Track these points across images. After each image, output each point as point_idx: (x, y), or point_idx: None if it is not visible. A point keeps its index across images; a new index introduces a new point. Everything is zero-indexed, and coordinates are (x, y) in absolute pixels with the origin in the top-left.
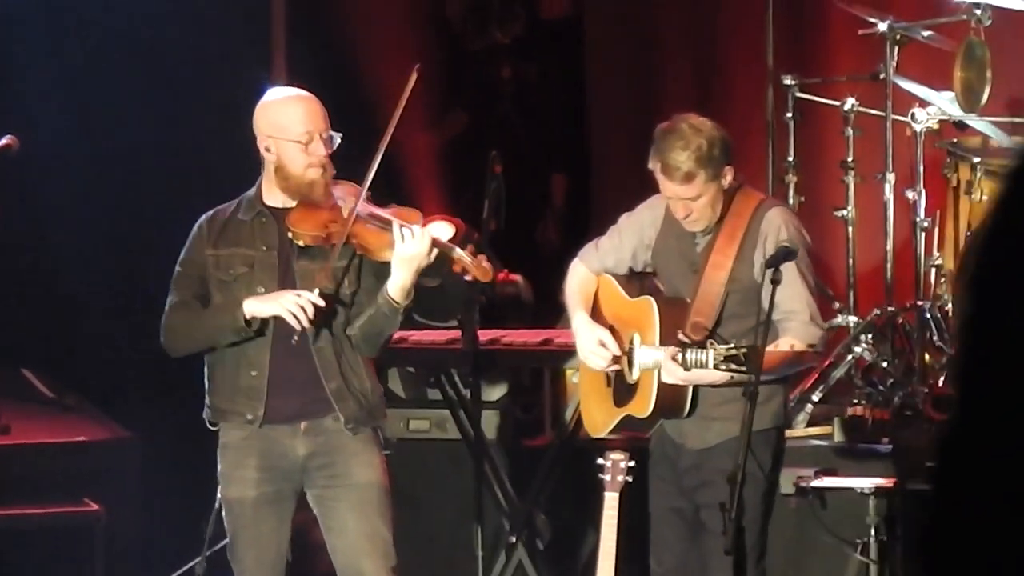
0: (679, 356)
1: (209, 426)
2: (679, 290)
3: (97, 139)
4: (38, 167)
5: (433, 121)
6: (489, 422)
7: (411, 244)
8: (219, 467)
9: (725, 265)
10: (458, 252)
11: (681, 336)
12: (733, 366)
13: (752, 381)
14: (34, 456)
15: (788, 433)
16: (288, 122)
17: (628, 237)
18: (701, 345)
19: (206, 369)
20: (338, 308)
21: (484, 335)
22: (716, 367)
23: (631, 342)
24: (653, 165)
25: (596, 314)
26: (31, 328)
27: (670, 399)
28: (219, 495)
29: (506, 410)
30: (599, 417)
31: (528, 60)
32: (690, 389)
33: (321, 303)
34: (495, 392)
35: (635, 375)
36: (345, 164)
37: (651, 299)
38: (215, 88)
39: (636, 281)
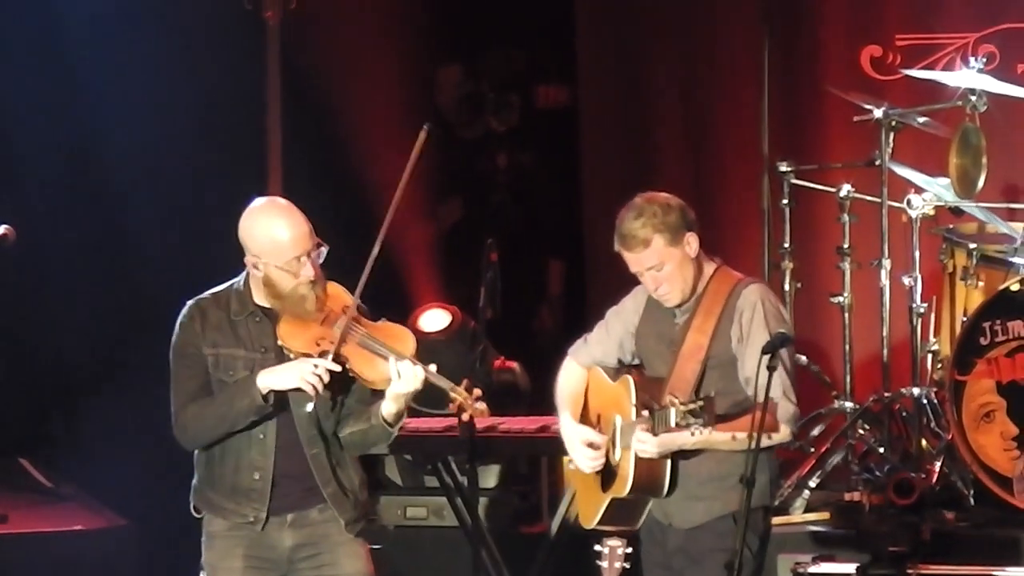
0: (648, 424)
1: (194, 512)
2: (659, 371)
3: (94, 234)
4: (37, 257)
5: (429, 210)
6: (486, 509)
7: (406, 383)
8: (204, 556)
9: (702, 343)
10: (455, 391)
11: (649, 402)
12: (691, 419)
13: (745, 471)
14: (31, 545)
15: (786, 519)
16: (275, 247)
17: (614, 327)
18: (664, 407)
19: (198, 458)
20: (324, 411)
21: (481, 423)
22: (678, 424)
23: (614, 425)
24: (616, 246)
25: (585, 408)
26: (28, 417)
27: (647, 474)
28: None
29: (503, 497)
30: (589, 505)
31: (523, 148)
32: (667, 464)
33: (337, 368)
34: (492, 479)
35: (617, 455)
36: (340, 264)
37: (628, 377)
38: (209, 193)
39: (624, 371)
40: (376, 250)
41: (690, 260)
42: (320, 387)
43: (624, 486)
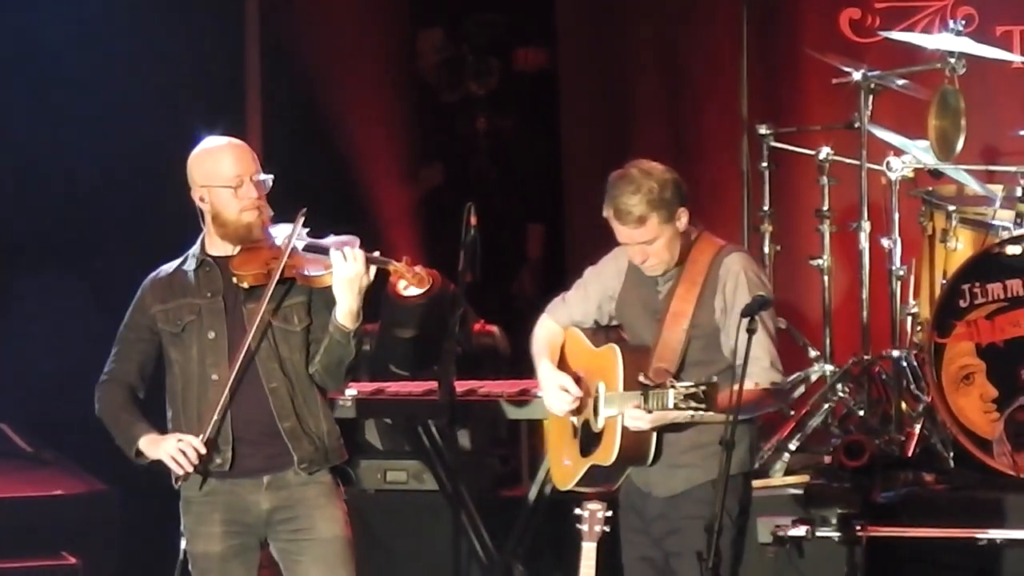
0: (640, 400)
1: (173, 484)
2: (643, 338)
3: (62, 190)
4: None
5: (409, 173)
6: (466, 473)
7: (348, 265)
8: (183, 521)
9: (686, 312)
10: (393, 264)
11: (642, 379)
12: (693, 403)
13: (724, 433)
14: (12, 510)
15: (765, 482)
16: (217, 168)
17: (593, 290)
18: (662, 387)
19: (168, 419)
20: (288, 346)
21: (461, 386)
22: (676, 406)
23: (597, 391)
24: (607, 213)
25: (563, 366)
26: (7, 383)
27: (633, 445)
28: (183, 548)
29: (483, 461)
30: (566, 468)
31: (503, 112)
32: (653, 436)
33: (203, 449)
34: (472, 443)
35: (600, 423)
36: (319, 217)
37: (615, 347)
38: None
39: (602, 333)
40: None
41: (679, 234)
42: (186, 464)
43: (609, 455)
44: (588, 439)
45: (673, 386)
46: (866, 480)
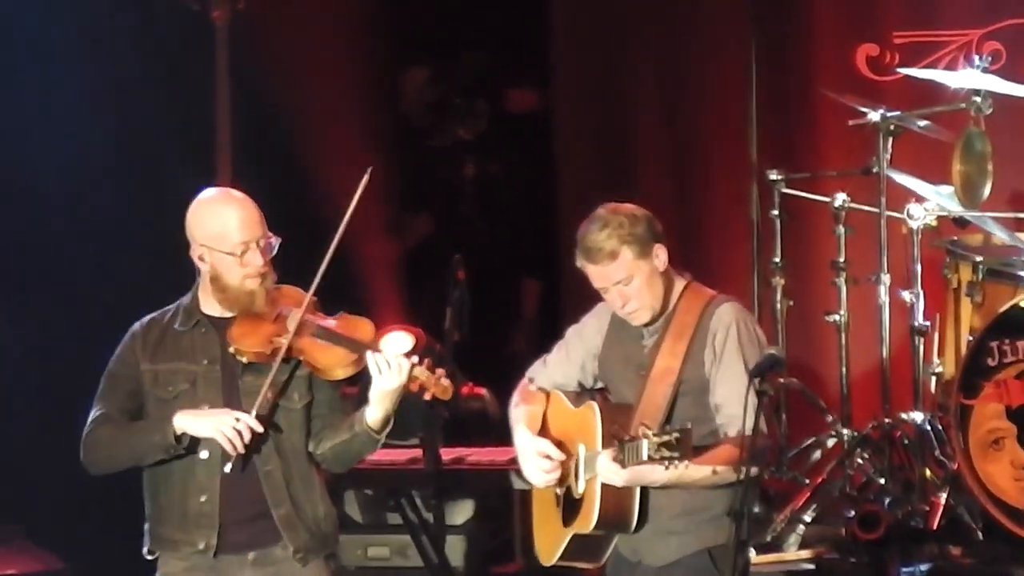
0: (615, 452)
1: (147, 556)
2: (626, 397)
3: (27, 244)
4: None
5: (392, 225)
6: (454, 548)
7: (390, 377)
8: None
9: (673, 367)
10: (416, 369)
11: (618, 433)
12: (666, 452)
13: (735, 509)
14: None
15: (778, 556)
16: (222, 231)
17: (575, 349)
18: (635, 438)
19: (147, 494)
20: (287, 424)
21: (447, 454)
22: (651, 457)
23: (577, 454)
24: (579, 262)
25: (544, 432)
26: None
27: (614, 508)
28: None
29: (472, 535)
30: (549, 541)
31: (493, 157)
32: (636, 497)
33: (259, 428)
34: (460, 515)
35: (581, 487)
36: (293, 272)
37: (593, 404)
38: (153, 195)
39: (586, 396)
40: (333, 247)
41: (659, 274)
42: (239, 444)
43: (589, 521)
44: (570, 507)
45: (647, 435)
46: (884, 554)
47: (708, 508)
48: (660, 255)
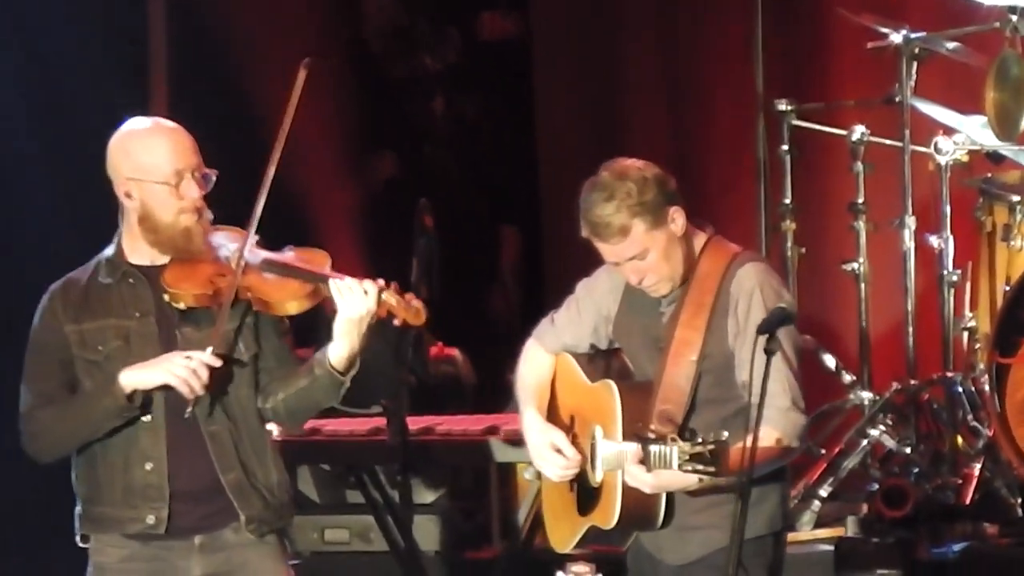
0: (641, 456)
1: (79, 542)
2: (645, 371)
3: None
4: None
5: (352, 166)
6: (423, 530)
7: (358, 300)
8: None
9: (694, 341)
10: (384, 292)
11: (643, 431)
12: (699, 467)
13: (740, 482)
14: None
15: (791, 537)
16: (152, 161)
17: (586, 309)
18: (663, 441)
19: (78, 472)
20: (234, 381)
21: (415, 423)
22: (681, 467)
23: (593, 437)
24: (585, 232)
25: (553, 404)
26: None
27: (638, 507)
28: None
29: (444, 515)
30: (564, 528)
31: (465, 90)
32: (663, 495)
33: (217, 363)
34: (430, 493)
35: (599, 476)
36: (235, 215)
37: (611, 384)
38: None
39: (601, 360)
40: (269, 178)
41: (677, 240)
42: (197, 386)
43: (609, 518)
44: (586, 495)
45: (677, 443)
46: (911, 533)
47: (731, 500)
48: (677, 219)
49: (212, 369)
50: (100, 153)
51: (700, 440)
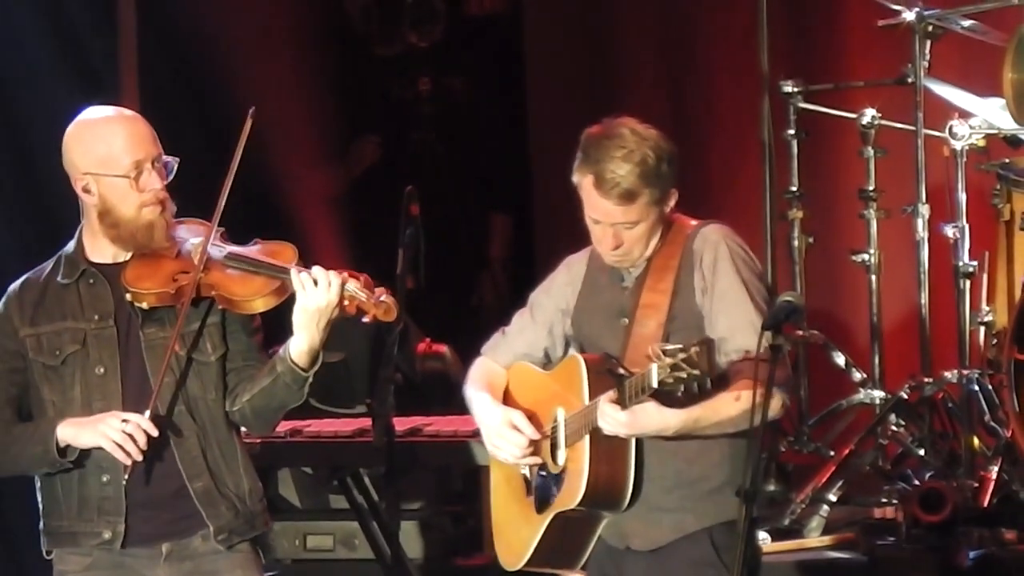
0: (614, 396)
1: (45, 555)
2: (610, 350)
3: None
4: None
5: (333, 151)
6: (411, 536)
7: (318, 292)
8: None
9: (660, 304)
10: (350, 287)
11: (614, 367)
12: (683, 374)
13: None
14: None
15: (799, 543)
16: (109, 152)
17: (540, 310)
18: (641, 366)
19: (38, 483)
20: (200, 382)
21: (402, 424)
22: (663, 384)
23: (555, 420)
24: (581, 178)
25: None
26: None
27: (605, 475)
28: None
29: (432, 521)
30: (514, 538)
31: (452, 69)
32: (630, 462)
33: (154, 432)
34: (417, 498)
35: (561, 459)
36: (210, 200)
37: (576, 355)
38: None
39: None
40: (233, 168)
41: (662, 221)
42: (134, 451)
43: (575, 494)
44: (546, 488)
45: (656, 355)
46: (947, 540)
47: (708, 478)
48: (670, 201)
49: (149, 433)
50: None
51: (680, 346)
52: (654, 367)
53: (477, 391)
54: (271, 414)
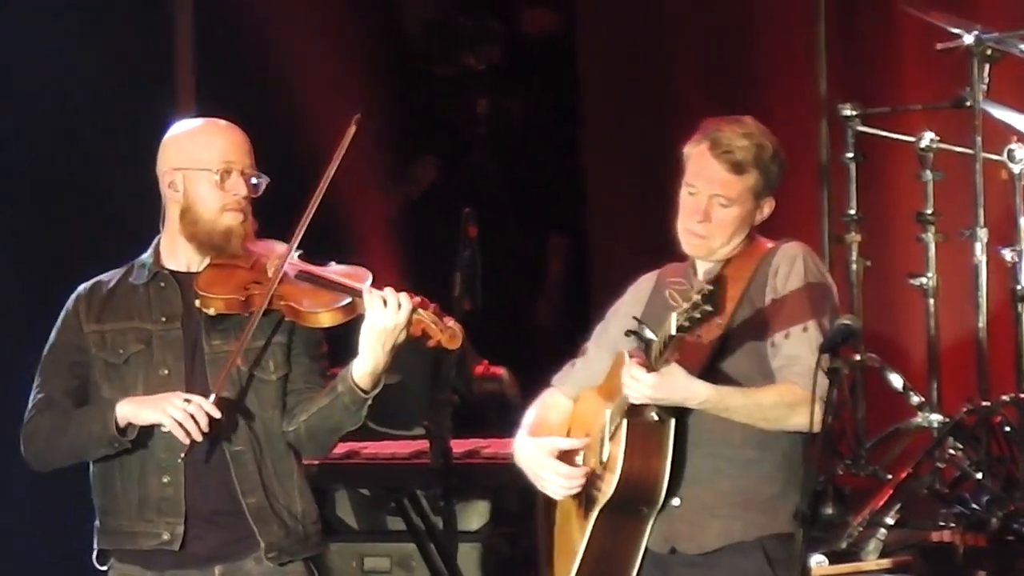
0: (642, 360)
1: (96, 565)
2: None
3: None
4: None
5: (390, 173)
6: (467, 558)
7: (388, 313)
8: None
9: (726, 310)
10: (419, 310)
11: (641, 334)
12: (699, 314)
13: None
14: None
15: (856, 567)
16: (203, 149)
17: (605, 334)
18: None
19: (96, 482)
20: (259, 400)
21: (459, 446)
22: (680, 328)
23: (603, 422)
24: (695, 146)
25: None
26: None
27: (640, 464)
28: None
29: (488, 542)
30: (568, 545)
31: (508, 90)
32: (666, 453)
33: (216, 413)
34: (474, 519)
35: (605, 454)
36: (269, 224)
37: (622, 351)
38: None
39: None
40: (313, 206)
41: (749, 224)
42: (194, 431)
43: (610, 485)
44: (592, 487)
45: (675, 304)
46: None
47: (759, 492)
48: (766, 209)
49: (211, 415)
50: (129, 154)
51: (696, 289)
52: (673, 315)
53: (521, 439)
54: (326, 435)
